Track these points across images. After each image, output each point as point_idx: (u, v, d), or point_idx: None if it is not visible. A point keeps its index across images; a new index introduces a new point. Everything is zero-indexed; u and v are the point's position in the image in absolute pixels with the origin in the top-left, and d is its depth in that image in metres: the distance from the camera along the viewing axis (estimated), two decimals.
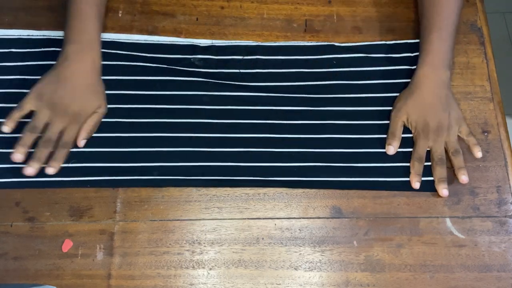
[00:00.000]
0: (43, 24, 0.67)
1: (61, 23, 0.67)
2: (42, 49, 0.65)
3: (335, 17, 0.69)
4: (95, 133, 0.61)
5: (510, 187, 0.60)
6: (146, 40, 0.66)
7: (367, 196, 0.59)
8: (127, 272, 0.56)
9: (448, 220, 0.58)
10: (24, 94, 0.61)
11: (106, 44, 0.65)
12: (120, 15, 0.68)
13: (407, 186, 0.59)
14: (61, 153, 0.58)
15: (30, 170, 0.57)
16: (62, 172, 0.59)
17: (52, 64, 0.62)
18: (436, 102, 0.60)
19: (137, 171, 0.59)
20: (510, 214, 0.59)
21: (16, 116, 0.58)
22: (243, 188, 0.59)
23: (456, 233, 0.58)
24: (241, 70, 0.65)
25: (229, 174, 0.59)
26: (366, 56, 0.66)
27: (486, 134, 0.62)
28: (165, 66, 0.64)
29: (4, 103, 0.62)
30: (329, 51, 0.66)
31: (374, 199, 0.59)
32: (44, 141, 0.57)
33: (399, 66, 0.66)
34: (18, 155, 0.57)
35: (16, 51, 0.65)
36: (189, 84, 0.64)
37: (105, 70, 0.63)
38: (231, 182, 0.59)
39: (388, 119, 0.62)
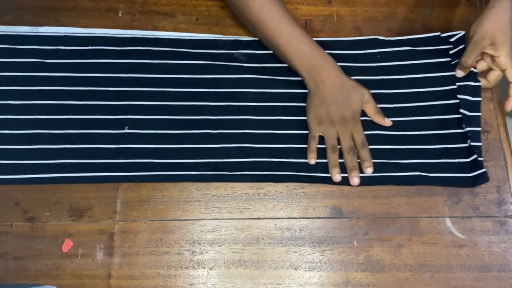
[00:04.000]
0: (43, 24, 0.67)
1: (61, 23, 0.67)
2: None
3: (335, 17, 0.69)
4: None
5: (510, 187, 0.60)
6: (191, 36, 0.67)
7: (367, 196, 0.59)
8: (127, 272, 0.56)
9: (448, 220, 0.58)
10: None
11: (145, 41, 0.66)
12: (120, 15, 0.68)
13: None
14: (367, 153, 0.59)
15: (338, 177, 0.59)
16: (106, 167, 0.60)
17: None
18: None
19: (187, 167, 0.60)
20: (510, 214, 0.59)
21: (314, 146, 0.60)
22: (243, 188, 0.59)
23: (456, 233, 0.58)
24: (282, 64, 0.64)
25: (273, 170, 0.60)
26: (412, 49, 0.65)
27: (486, 134, 0.62)
28: (209, 62, 0.64)
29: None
30: (373, 46, 0.66)
31: (374, 199, 0.59)
32: (347, 152, 0.59)
33: (446, 59, 0.64)
34: (337, 176, 0.59)
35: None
36: (234, 82, 0.64)
37: (148, 68, 0.64)
38: (276, 177, 0.60)
39: (441, 114, 0.62)
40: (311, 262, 0.57)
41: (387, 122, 0.61)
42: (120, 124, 0.61)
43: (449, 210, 0.59)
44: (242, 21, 0.64)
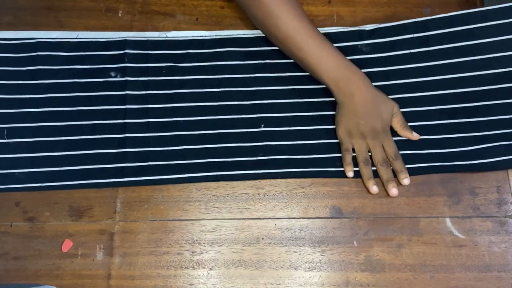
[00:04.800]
0: (43, 24, 0.67)
1: (61, 22, 0.67)
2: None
3: (335, 17, 0.69)
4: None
5: (510, 187, 0.60)
6: None
7: (367, 196, 0.59)
8: (127, 272, 0.56)
9: (448, 220, 0.58)
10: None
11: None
12: (120, 15, 0.68)
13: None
14: (401, 164, 0.59)
15: (375, 188, 0.59)
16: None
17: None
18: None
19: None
20: (510, 214, 0.59)
21: (349, 158, 0.60)
22: (243, 188, 0.60)
23: (456, 233, 0.58)
24: (412, 50, 0.64)
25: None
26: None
27: None
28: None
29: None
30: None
31: (374, 199, 0.59)
32: (381, 164, 0.59)
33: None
34: (374, 188, 0.59)
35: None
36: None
37: (275, 67, 0.65)
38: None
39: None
40: (311, 262, 0.57)
41: (415, 136, 0.61)
42: (255, 122, 0.62)
43: (449, 210, 0.59)
44: (265, 34, 0.63)
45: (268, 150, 0.61)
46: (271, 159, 0.60)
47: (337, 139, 0.61)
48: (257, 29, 0.67)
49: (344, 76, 0.58)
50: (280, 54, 0.64)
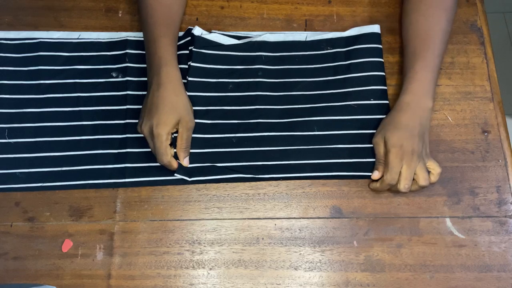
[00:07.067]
0: (43, 24, 0.67)
1: (61, 23, 0.67)
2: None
3: (335, 17, 0.69)
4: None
5: (510, 187, 0.60)
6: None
7: (367, 196, 0.59)
8: (127, 272, 0.56)
9: (448, 220, 0.58)
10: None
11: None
12: (120, 15, 0.68)
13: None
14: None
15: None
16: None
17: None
18: (415, 127, 0.57)
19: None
20: (510, 214, 0.59)
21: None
22: (243, 188, 0.60)
23: (456, 233, 0.58)
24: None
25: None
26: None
27: (486, 134, 0.62)
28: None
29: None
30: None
31: (374, 199, 0.59)
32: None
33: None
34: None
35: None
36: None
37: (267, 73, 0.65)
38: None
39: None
40: (311, 262, 0.57)
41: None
42: (255, 127, 0.62)
43: (449, 210, 0.59)
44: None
45: (269, 155, 0.60)
46: (273, 164, 0.60)
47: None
48: (256, 30, 0.67)
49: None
50: (281, 60, 0.65)
